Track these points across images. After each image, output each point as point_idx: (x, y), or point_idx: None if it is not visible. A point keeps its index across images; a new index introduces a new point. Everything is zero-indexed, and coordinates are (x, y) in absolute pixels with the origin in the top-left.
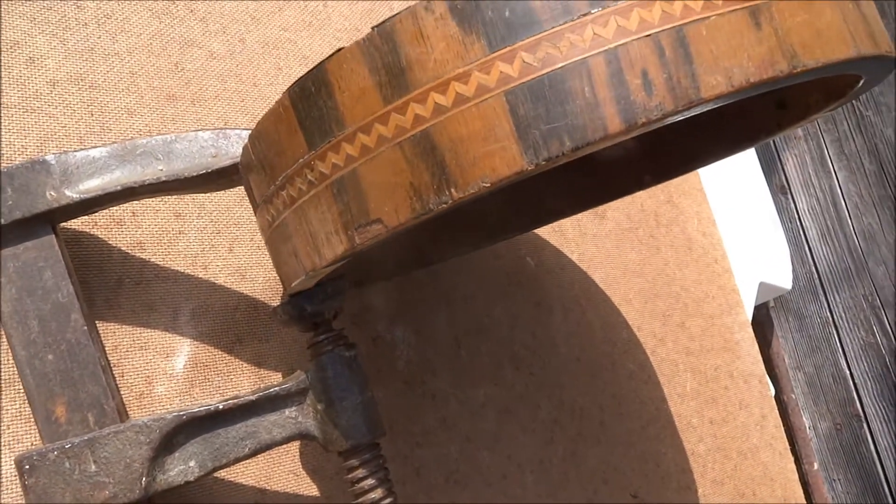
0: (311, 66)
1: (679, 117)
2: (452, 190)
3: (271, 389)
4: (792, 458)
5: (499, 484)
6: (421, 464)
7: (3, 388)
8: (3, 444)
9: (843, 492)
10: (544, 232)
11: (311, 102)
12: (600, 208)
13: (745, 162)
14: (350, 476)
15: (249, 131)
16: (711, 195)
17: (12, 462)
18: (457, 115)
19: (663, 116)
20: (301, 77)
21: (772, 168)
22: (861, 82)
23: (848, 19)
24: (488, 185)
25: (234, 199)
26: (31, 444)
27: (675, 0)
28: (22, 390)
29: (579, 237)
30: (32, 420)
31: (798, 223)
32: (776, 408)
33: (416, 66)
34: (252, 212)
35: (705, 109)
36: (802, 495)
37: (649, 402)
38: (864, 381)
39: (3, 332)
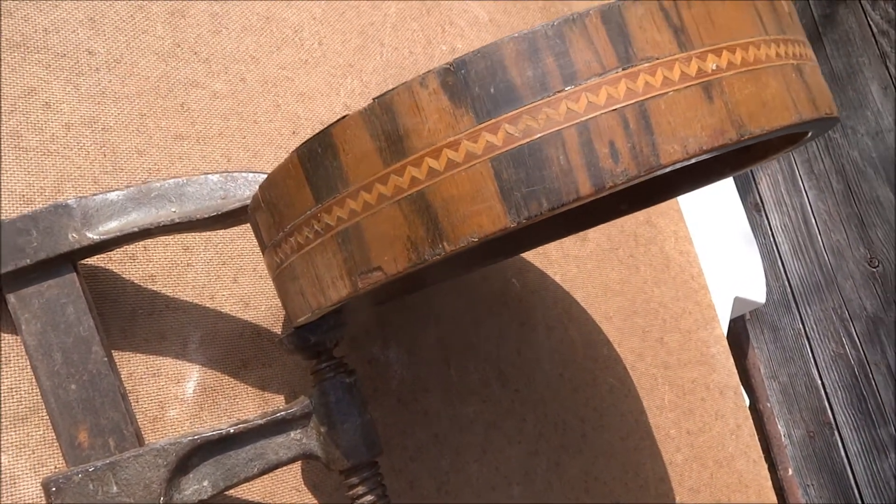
0: (318, 130)
1: (640, 180)
2: (445, 244)
3: (278, 414)
4: (766, 466)
5: (487, 495)
6: (414, 477)
7: (29, 416)
8: (27, 466)
9: (817, 496)
10: (529, 254)
11: (317, 162)
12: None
13: (721, 182)
14: (351, 493)
15: (255, 174)
16: (688, 214)
17: (38, 486)
18: (448, 178)
19: (628, 181)
20: (308, 139)
21: (747, 187)
22: (809, 134)
23: (791, 88)
24: (476, 240)
25: (238, 233)
26: (56, 468)
27: (638, 78)
28: (47, 417)
29: (562, 259)
30: (57, 445)
31: (772, 239)
32: (750, 417)
33: (412, 134)
34: (255, 244)
35: (664, 172)
36: (776, 501)
37: (629, 415)
38: (834, 390)
39: (28, 364)
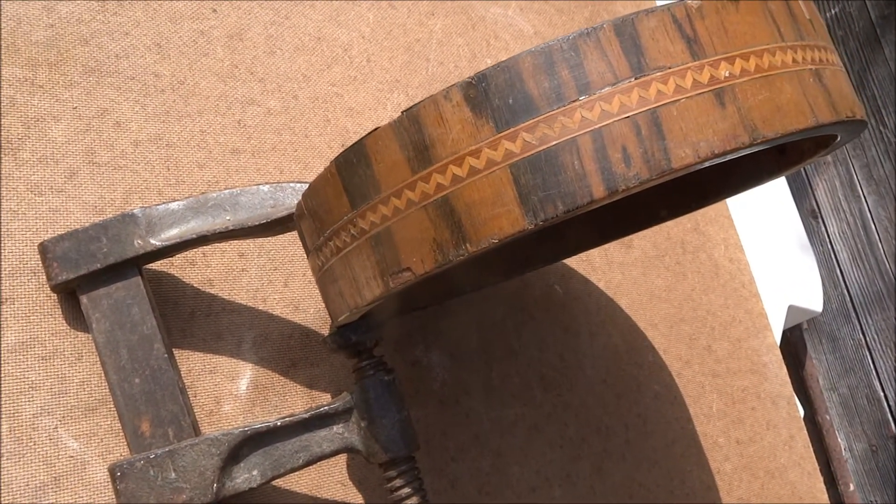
0: (353, 141)
1: (654, 184)
2: (468, 245)
3: (321, 409)
4: (821, 479)
5: (528, 496)
6: (455, 477)
7: (98, 407)
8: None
9: None
10: (572, 261)
11: (352, 171)
12: (627, 238)
13: (775, 189)
14: (389, 485)
15: (301, 184)
16: (741, 222)
17: (105, 471)
18: (470, 183)
19: (640, 184)
20: (345, 150)
21: (803, 194)
22: (838, 138)
23: (808, 93)
24: (496, 241)
25: (289, 241)
26: (121, 455)
27: (650, 86)
28: (114, 408)
29: (606, 265)
30: (122, 434)
31: (829, 247)
32: (805, 428)
33: (437, 144)
34: (303, 251)
35: (676, 176)
36: None
37: (675, 422)
38: None
39: (98, 360)
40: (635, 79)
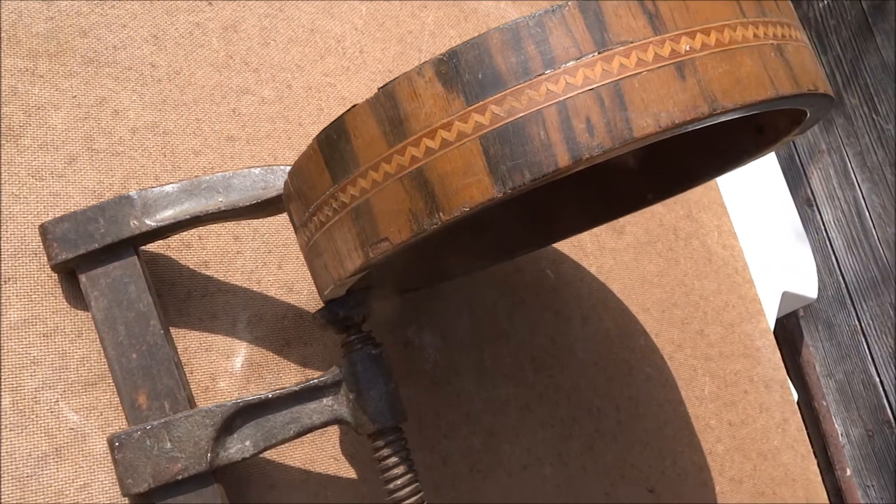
0: (335, 118)
1: (617, 153)
2: (441, 214)
3: (311, 382)
4: (815, 461)
5: (519, 474)
6: (447, 454)
7: (98, 382)
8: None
9: (878, 497)
10: (564, 247)
11: (333, 147)
12: (619, 224)
13: (769, 177)
14: (377, 455)
15: (290, 166)
16: (735, 210)
17: (104, 442)
18: (442, 155)
19: (603, 153)
20: (325, 127)
21: (798, 182)
22: (808, 114)
23: (769, 66)
24: (468, 209)
25: (283, 224)
26: (120, 427)
27: (613, 60)
28: (112, 383)
29: (598, 251)
30: (120, 408)
31: (825, 234)
32: (798, 412)
33: (411, 118)
34: (294, 233)
35: (639, 146)
36: (825, 497)
37: (666, 404)
38: (893, 387)
39: (97, 336)
40: (598, 53)
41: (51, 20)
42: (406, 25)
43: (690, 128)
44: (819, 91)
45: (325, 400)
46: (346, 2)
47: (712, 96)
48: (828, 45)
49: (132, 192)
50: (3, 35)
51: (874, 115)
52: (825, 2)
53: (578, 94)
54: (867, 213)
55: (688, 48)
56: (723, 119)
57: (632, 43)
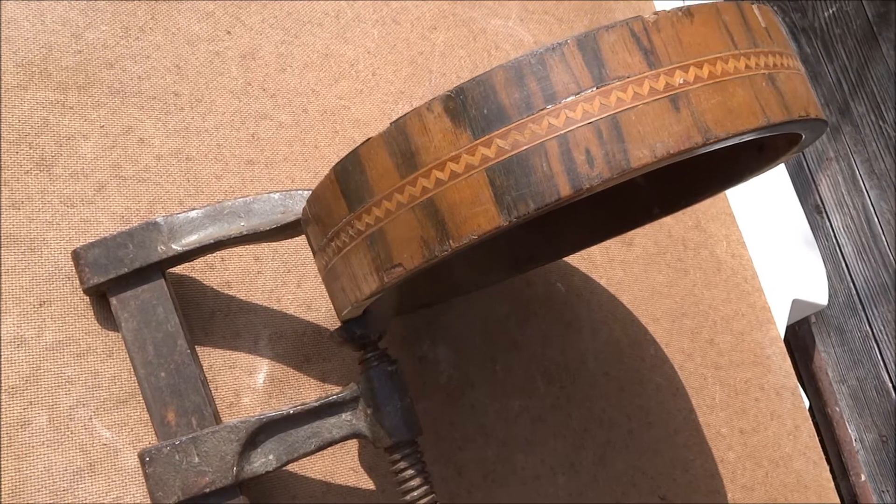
0: (350, 149)
1: (616, 182)
2: (451, 241)
3: (331, 397)
4: (827, 468)
5: (532, 483)
6: (462, 465)
7: (128, 400)
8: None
9: (893, 502)
10: (574, 260)
11: (349, 177)
12: (627, 236)
13: (778, 186)
14: (394, 468)
15: (308, 191)
16: (744, 219)
17: (135, 457)
18: (452, 186)
19: (602, 183)
20: (342, 159)
21: (807, 189)
22: (804, 136)
23: (760, 96)
24: (476, 237)
25: (300, 243)
26: (150, 443)
27: (611, 94)
28: (142, 400)
29: (607, 263)
30: (150, 424)
31: (834, 241)
32: (810, 419)
33: (422, 151)
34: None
35: (637, 175)
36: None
37: (677, 413)
38: None
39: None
40: (597, 88)
41: (79, 53)
42: (417, 47)
43: (685, 157)
44: (811, 116)
45: (343, 415)
46: (359, 27)
47: (705, 126)
48: (834, 54)
49: (159, 218)
50: (35, 69)
51: (881, 123)
52: (830, 11)
53: (578, 127)
54: (876, 219)
55: (682, 81)
56: (716, 147)
57: (628, 78)
